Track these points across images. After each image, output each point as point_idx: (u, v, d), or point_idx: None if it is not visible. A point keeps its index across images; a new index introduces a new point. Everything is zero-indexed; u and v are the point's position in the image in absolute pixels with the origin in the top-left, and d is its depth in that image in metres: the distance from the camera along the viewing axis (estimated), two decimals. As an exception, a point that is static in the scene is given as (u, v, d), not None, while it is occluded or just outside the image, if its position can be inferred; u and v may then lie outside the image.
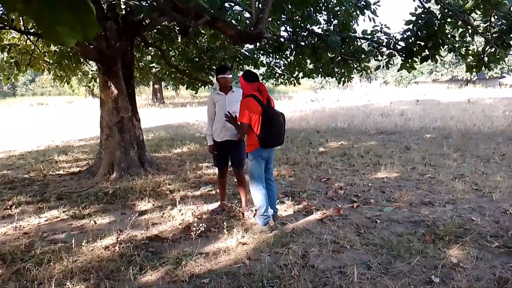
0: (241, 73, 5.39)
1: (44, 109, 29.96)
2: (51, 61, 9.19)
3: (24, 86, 59.54)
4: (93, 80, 12.49)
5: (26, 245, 3.82)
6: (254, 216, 4.38)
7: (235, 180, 5.23)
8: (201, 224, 4.01)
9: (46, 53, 9.01)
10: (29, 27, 7.11)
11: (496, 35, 6.24)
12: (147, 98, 38.45)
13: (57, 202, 5.35)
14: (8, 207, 5.15)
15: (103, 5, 6.29)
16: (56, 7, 0.95)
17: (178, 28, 3.92)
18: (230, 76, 4.61)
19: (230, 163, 4.74)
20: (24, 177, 7.04)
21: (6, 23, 6.52)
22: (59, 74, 9.69)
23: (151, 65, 10.94)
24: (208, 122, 4.78)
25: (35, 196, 5.68)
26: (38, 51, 8.52)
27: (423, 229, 4.04)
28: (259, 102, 3.97)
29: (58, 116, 22.61)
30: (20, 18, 6.33)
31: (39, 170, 7.48)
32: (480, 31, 6.51)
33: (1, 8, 5.77)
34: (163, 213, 4.73)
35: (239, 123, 4.11)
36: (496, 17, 6.20)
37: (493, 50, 6.38)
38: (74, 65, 8.95)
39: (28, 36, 7.74)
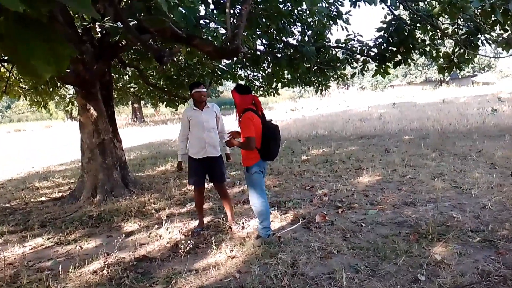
0: (220, 88, 5.45)
1: (22, 136, 29.36)
2: (27, 87, 9.08)
3: (0, 113, 58.27)
4: (71, 103, 12.35)
5: (11, 276, 3.75)
6: (244, 229, 4.39)
7: (218, 195, 5.20)
8: (189, 241, 4.01)
9: (22, 79, 8.91)
10: (2, 55, 7.04)
11: (464, 36, 6.49)
12: (127, 117, 38.08)
13: (41, 229, 5.26)
14: (-10, 238, 5.03)
15: (78, 29, 6.29)
16: (31, 42, 0.96)
17: (153, 56, 3.92)
18: (205, 90, 4.54)
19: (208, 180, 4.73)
20: (5, 206, 6.89)
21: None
22: (35, 100, 9.57)
23: (129, 85, 10.90)
24: (180, 138, 4.69)
25: (18, 225, 5.57)
26: (14, 78, 8.42)
27: (407, 229, 4.13)
28: (258, 116, 3.99)
29: (37, 142, 22.19)
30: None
31: (21, 198, 7.33)
32: (448, 33, 6.76)
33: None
34: (150, 233, 4.70)
35: (237, 139, 4.10)
36: (462, 20, 6.47)
37: (462, 51, 6.63)
38: (51, 89, 8.87)
39: (2, 63, 7.64)
